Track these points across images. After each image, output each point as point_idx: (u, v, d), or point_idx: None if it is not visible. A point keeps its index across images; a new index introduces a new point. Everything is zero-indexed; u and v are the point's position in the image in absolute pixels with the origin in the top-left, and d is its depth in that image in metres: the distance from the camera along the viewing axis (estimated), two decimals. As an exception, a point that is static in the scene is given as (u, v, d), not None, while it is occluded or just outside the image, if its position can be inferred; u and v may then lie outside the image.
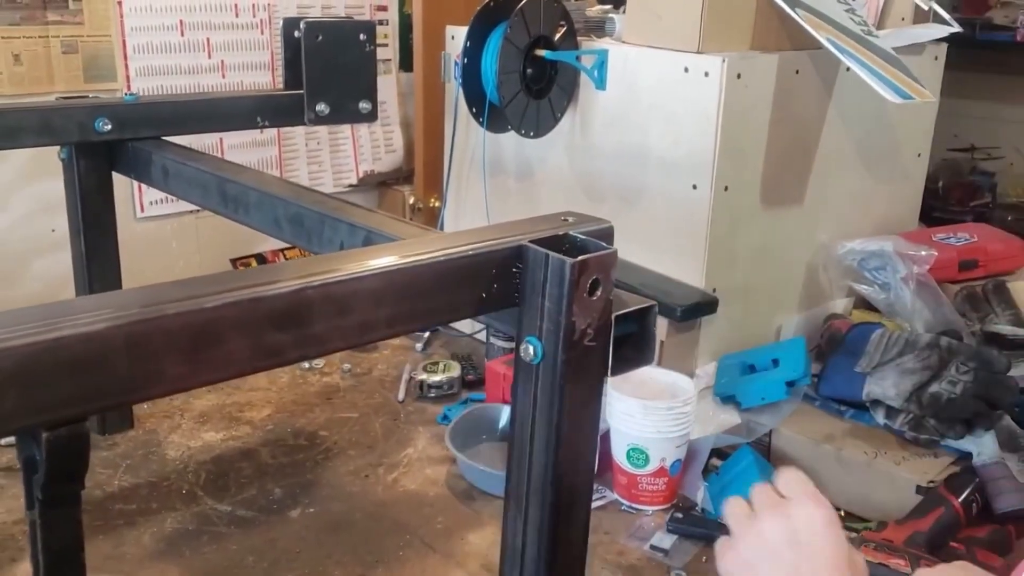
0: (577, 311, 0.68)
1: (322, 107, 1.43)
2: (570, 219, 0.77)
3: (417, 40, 2.96)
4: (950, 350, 1.27)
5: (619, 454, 1.24)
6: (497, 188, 1.63)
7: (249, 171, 1.14)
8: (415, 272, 0.65)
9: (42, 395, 0.50)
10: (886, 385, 1.27)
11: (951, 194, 2.48)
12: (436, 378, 1.53)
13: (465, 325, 1.78)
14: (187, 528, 1.20)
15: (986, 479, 1.18)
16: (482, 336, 1.66)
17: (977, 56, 2.46)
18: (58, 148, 1.29)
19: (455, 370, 1.55)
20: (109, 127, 1.24)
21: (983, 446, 1.21)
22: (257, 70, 2.86)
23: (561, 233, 0.72)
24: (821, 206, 1.52)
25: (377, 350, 1.71)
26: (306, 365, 1.63)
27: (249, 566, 1.13)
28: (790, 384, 1.31)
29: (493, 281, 0.70)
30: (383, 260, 0.65)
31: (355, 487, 1.29)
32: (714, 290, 1.38)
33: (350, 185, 3.20)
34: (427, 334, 1.73)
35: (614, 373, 0.73)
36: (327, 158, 3.06)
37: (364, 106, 1.49)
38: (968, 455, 1.21)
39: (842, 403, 1.33)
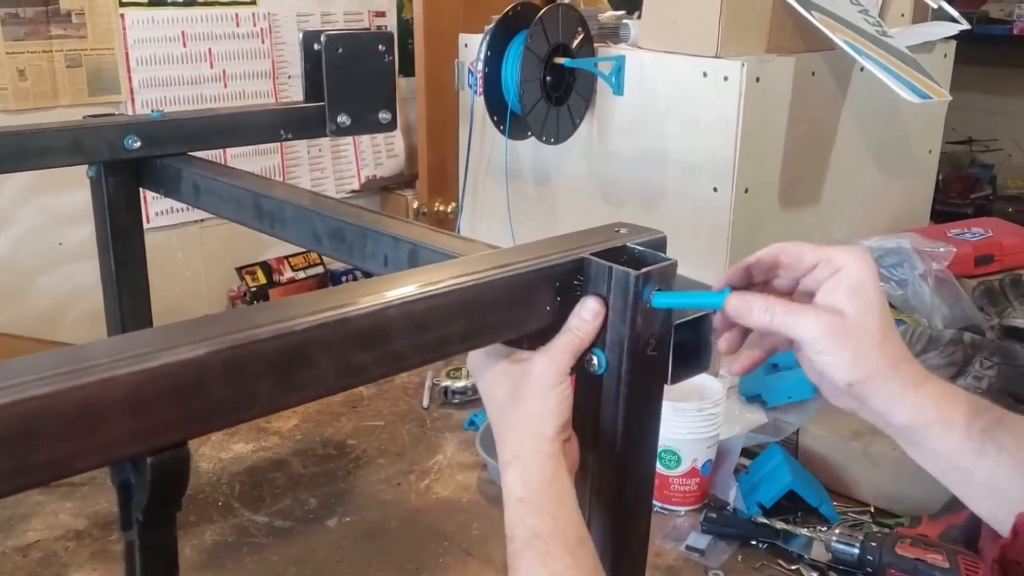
0: (641, 322, 0.69)
1: (343, 118, 1.44)
2: (623, 230, 0.78)
3: (418, 45, 2.98)
4: (973, 345, 1.29)
5: (651, 456, 1.26)
6: (515, 194, 1.64)
7: (281, 185, 1.15)
8: (485, 288, 0.66)
9: (150, 421, 0.51)
10: (911, 381, 1.29)
11: (951, 187, 2.51)
12: (459, 384, 1.54)
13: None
14: (227, 540, 1.21)
15: (1014, 472, 1.20)
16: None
17: (974, 49, 2.48)
18: (87, 166, 1.30)
19: (479, 376, 1.56)
20: (139, 144, 1.24)
21: (1009, 439, 1.22)
22: (258, 78, 2.87)
23: (619, 245, 0.74)
24: (837, 204, 1.54)
25: (398, 357, 1.72)
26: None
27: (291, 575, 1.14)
28: (816, 382, 1.32)
29: (557, 294, 0.71)
30: (453, 278, 0.66)
31: (388, 495, 1.31)
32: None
33: (352, 191, 3.21)
34: (446, 340, 1.74)
35: (673, 381, 0.75)
36: (329, 164, 3.07)
37: (384, 116, 1.50)
38: (995, 448, 1.23)
39: (866, 400, 1.35)
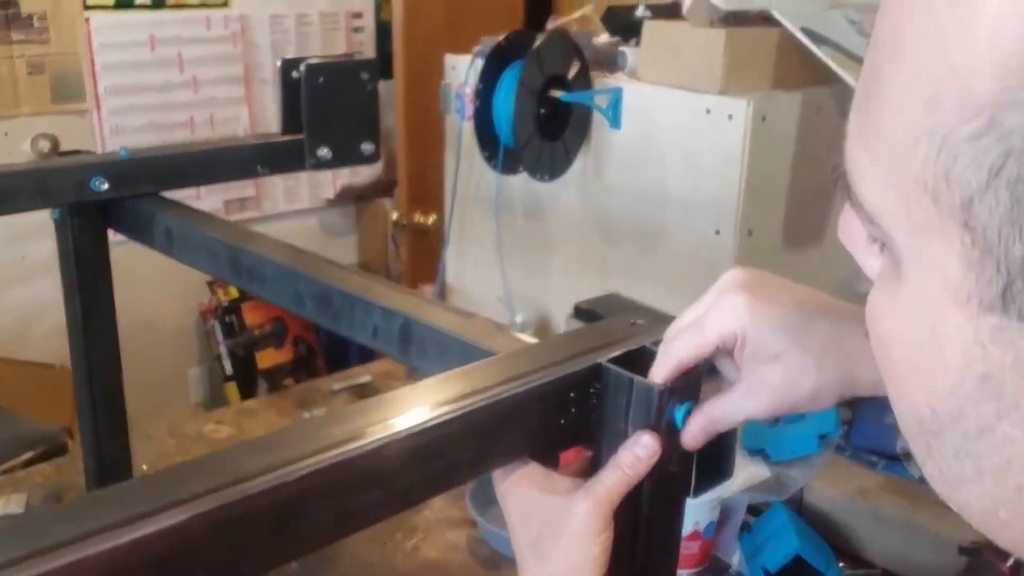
0: (664, 439, 0.63)
1: (324, 152, 1.37)
2: (639, 321, 0.72)
3: (397, 48, 2.89)
4: (984, 399, 1.24)
5: (651, 518, 1.20)
6: (505, 226, 1.58)
7: (260, 239, 1.07)
8: (497, 406, 0.60)
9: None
10: (920, 437, 1.24)
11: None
12: (447, 428, 1.47)
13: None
14: (202, 611, 1.13)
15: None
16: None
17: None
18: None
19: (466, 419, 1.49)
20: (106, 186, 1.16)
21: (1024, 503, 1.18)
22: (230, 84, 2.77)
23: (639, 347, 0.67)
24: (840, 245, 1.48)
25: (371, 381, 1.65)
26: (307, 416, 1.56)
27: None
28: (821, 437, 1.27)
29: (572, 405, 0.64)
30: (463, 398, 0.59)
31: (374, 557, 1.24)
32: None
33: (327, 200, 3.12)
34: (431, 375, 1.67)
35: (696, 495, 0.68)
36: (303, 173, 2.97)
37: (367, 148, 1.43)
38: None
39: (874, 453, 1.30)
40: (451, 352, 0.83)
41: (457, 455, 0.59)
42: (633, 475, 0.61)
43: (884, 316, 0.36)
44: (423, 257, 2.83)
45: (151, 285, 2.55)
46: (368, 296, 0.90)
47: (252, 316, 2.75)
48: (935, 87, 0.30)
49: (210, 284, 2.72)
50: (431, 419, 0.57)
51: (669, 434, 0.63)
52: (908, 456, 1.26)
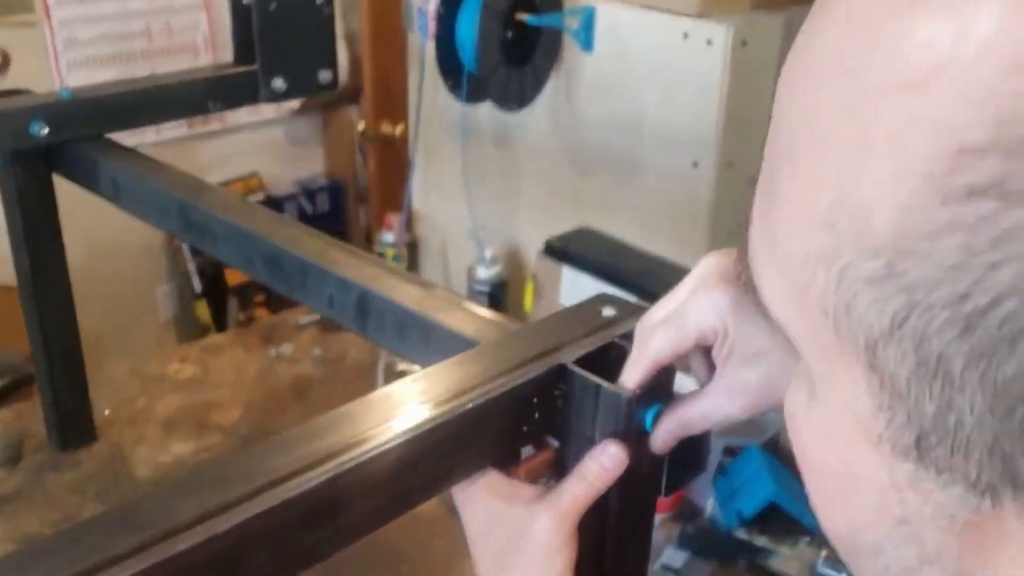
0: (633, 450, 0.59)
1: (279, 83, 1.29)
2: (607, 310, 0.67)
3: (361, -56, 2.73)
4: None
5: (624, 464, 1.18)
6: (473, 156, 1.51)
7: (212, 192, 1.01)
8: (454, 424, 0.56)
9: None
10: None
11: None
12: (415, 366, 1.44)
13: (440, 293, 1.69)
14: (169, 569, 1.11)
15: None
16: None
17: None
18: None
19: (437, 355, 1.46)
20: (46, 131, 1.09)
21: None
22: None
23: (607, 343, 0.63)
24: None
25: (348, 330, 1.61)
26: (273, 353, 1.53)
27: (241, 613, 1.06)
28: (797, 377, 1.25)
29: (535, 410, 0.60)
30: (414, 416, 0.55)
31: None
32: (714, 273, 1.30)
33: (292, 111, 3.01)
34: (401, 307, 1.63)
35: (668, 493, 0.65)
36: (269, 80, 2.85)
37: (324, 76, 1.35)
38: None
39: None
40: (410, 329, 0.78)
41: (411, 480, 0.55)
42: (599, 486, 0.58)
43: (801, 427, 0.32)
44: (391, 168, 2.74)
45: (113, 212, 2.47)
46: (323, 263, 0.85)
47: (220, 232, 2.68)
48: (832, 212, 0.26)
49: (175, 199, 2.64)
50: (381, 445, 0.53)
51: (639, 437, 0.59)
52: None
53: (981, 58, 0.23)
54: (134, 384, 1.45)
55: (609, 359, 0.62)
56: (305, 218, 2.84)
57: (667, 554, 1.13)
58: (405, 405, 0.56)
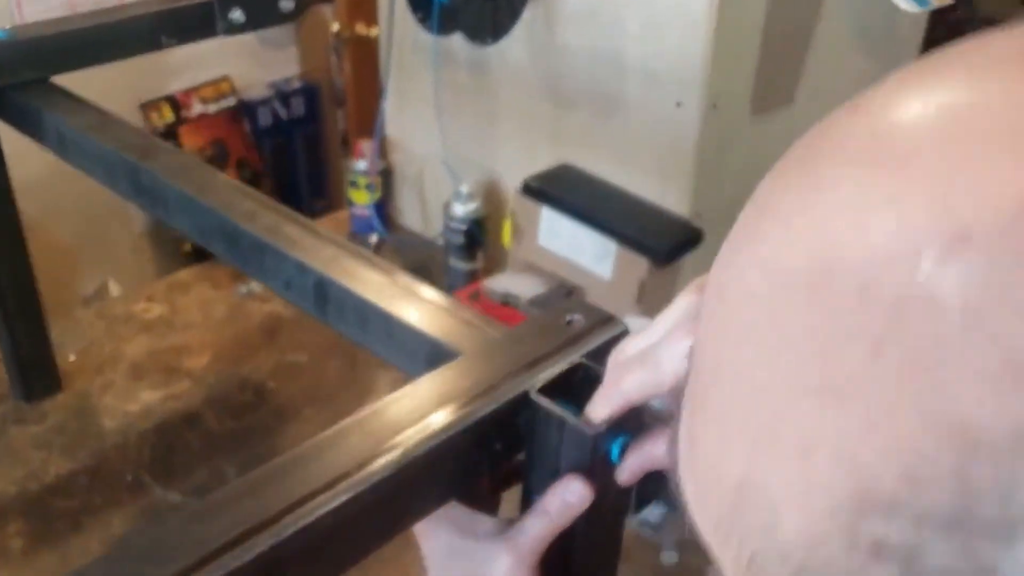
0: (599, 479, 0.56)
1: (236, 14, 1.21)
2: (574, 318, 0.63)
3: None
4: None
5: (602, 419, 1.16)
6: (447, 82, 1.43)
7: (163, 152, 0.94)
8: (411, 466, 0.52)
9: None
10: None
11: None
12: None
13: (415, 222, 1.63)
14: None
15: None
16: (438, 238, 1.51)
17: None
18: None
19: (412, 295, 1.41)
20: (-18, 77, 1.02)
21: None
22: None
23: (574, 365, 0.58)
24: (811, 101, 1.36)
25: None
26: (243, 290, 1.48)
27: (212, 577, 1.04)
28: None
29: (497, 440, 0.57)
30: (366, 463, 0.51)
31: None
32: (699, 215, 1.25)
33: (267, 9, 2.86)
34: (374, 239, 1.58)
35: (637, 511, 0.62)
36: (238, -21, 2.71)
37: (286, 4, 1.26)
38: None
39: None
40: (372, 322, 0.74)
41: (363, 530, 0.52)
42: (561, 523, 0.55)
43: None
44: (367, 70, 2.63)
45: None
46: (279, 244, 0.80)
47: (191, 139, 2.59)
48: (741, 491, 0.23)
49: (143, 107, 2.54)
50: (334, 496, 0.49)
51: (605, 468, 0.56)
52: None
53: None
54: (100, 326, 1.41)
55: (575, 380, 0.58)
56: (280, 123, 2.75)
57: (644, 509, 1.12)
58: (355, 452, 0.52)
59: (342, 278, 0.76)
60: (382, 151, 1.56)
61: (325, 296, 0.77)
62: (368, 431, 0.53)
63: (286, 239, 0.81)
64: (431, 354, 0.70)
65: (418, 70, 1.46)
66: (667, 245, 1.19)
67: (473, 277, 1.43)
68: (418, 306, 0.72)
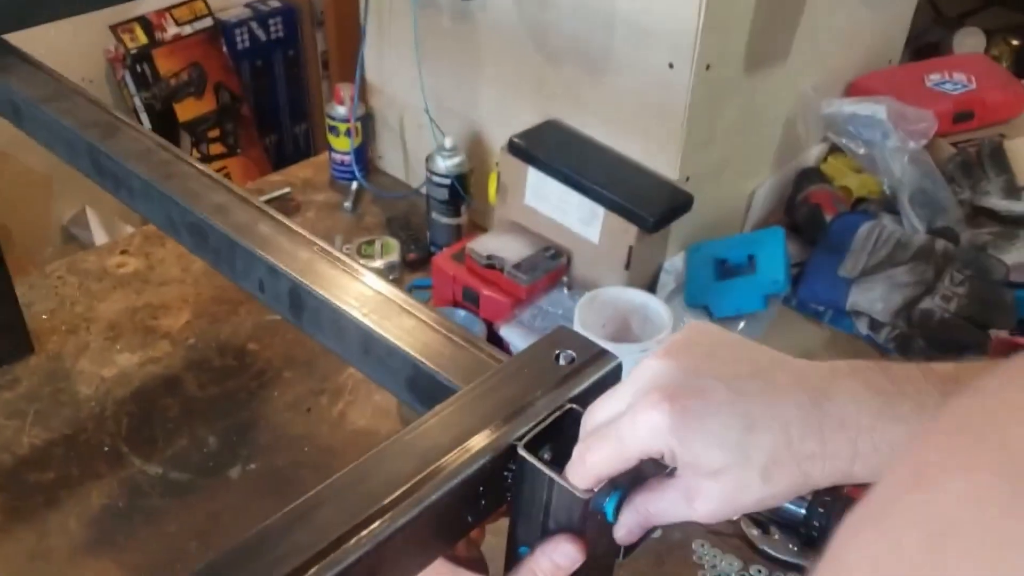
0: (592, 536, 0.54)
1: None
2: (566, 353, 0.60)
3: None
4: (945, 255, 1.16)
5: (587, 391, 1.14)
6: (428, 26, 1.36)
7: (125, 133, 0.89)
8: (395, 535, 0.50)
9: None
10: (873, 298, 1.16)
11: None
12: (374, 264, 1.36)
13: (397, 170, 1.58)
14: (117, 505, 1.08)
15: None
16: (420, 187, 1.47)
17: None
18: None
19: (394, 251, 1.38)
20: (-71, 41, 0.96)
21: (973, 374, 1.13)
22: None
23: (563, 411, 0.56)
24: (806, 54, 1.31)
25: (301, 214, 1.52)
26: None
27: (193, 555, 1.04)
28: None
29: (481, 497, 0.55)
30: (344, 535, 0.49)
31: (297, 428, 1.18)
32: (688, 179, 1.21)
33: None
34: (354, 187, 1.53)
35: (626, 556, 0.61)
36: None
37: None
38: (956, 380, 1.14)
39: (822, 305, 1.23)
40: (349, 334, 0.71)
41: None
42: None
43: None
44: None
45: (47, 35, 2.28)
46: (251, 244, 0.76)
47: (166, 63, 2.50)
48: None
49: (113, 28, 2.44)
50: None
51: (598, 523, 0.54)
52: (858, 314, 1.19)
53: None
54: (72, 283, 1.37)
55: (565, 433, 0.55)
56: (259, 45, 2.65)
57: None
58: (332, 525, 0.50)
59: (318, 285, 0.72)
60: (362, 94, 1.50)
61: (300, 304, 0.74)
62: (353, 500, 0.51)
63: (259, 239, 0.77)
64: (412, 376, 0.67)
65: (399, 13, 1.39)
66: (656, 212, 1.16)
67: (457, 233, 1.39)
68: (399, 321, 0.69)
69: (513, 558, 0.57)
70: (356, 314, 0.70)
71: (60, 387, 1.22)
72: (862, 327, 1.19)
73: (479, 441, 0.54)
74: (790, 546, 0.99)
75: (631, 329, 1.15)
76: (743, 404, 0.47)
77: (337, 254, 0.76)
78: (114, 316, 1.32)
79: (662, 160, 1.20)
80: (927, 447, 0.27)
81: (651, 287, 1.25)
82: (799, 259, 1.27)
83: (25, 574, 1.01)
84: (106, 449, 1.14)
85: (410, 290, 1.36)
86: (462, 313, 1.24)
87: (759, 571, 0.99)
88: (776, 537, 1.00)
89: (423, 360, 0.66)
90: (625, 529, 0.53)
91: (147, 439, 1.16)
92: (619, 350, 1.07)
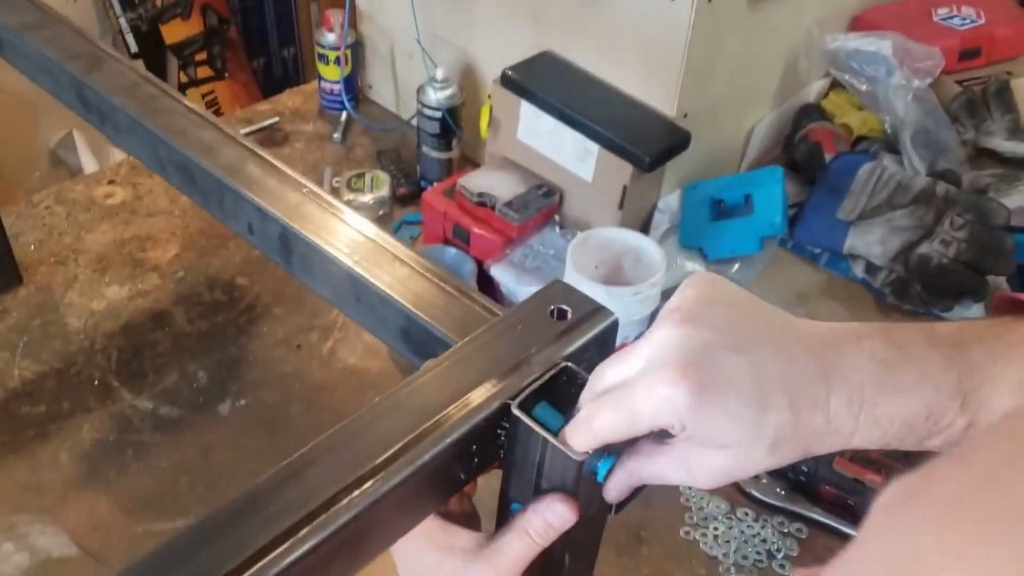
0: (584, 496, 0.53)
1: None
2: (562, 309, 0.59)
3: None
4: (947, 199, 1.14)
5: (579, 332, 1.13)
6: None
7: (112, 65, 0.86)
8: (388, 494, 0.49)
9: None
10: (871, 241, 1.15)
11: None
12: (364, 199, 1.34)
13: (388, 101, 1.55)
14: (107, 439, 1.08)
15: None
16: (411, 119, 1.44)
17: None
18: None
19: (384, 185, 1.36)
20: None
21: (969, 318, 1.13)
22: None
23: (557, 369, 0.55)
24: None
25: (289, 144, 1.49)
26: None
27: (184, 491, 1.04)
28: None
29: (475, 456, 0.54)
30: (330, 501, 0.48)
31: (287, 365, 1.17)
32: (685, 115, 1.18)
33: None
34: (343, 118, 1.50)
35: (618, 511, 0.60)
36: None
37: None
38: (950, 325, 1.14)
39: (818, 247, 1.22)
40: (340, 281, 0.70)
41: (334, 563, 0.49)
42: (542, 543, 0.53)
43: None
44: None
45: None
46: (238, 185, 0.75)
47: (150, -19, 2.43)
48: None
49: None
50: (300, 539, 0.47)
51: (588, 486, 0.54)
52: (855, 257, 1.18)
53: None
54: (59, 213, 1.35)
55: (560, 388, 0.55)
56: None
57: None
58: (327, 480, 0.49)
59: (309, 231, 0.71)
60: (352, 21, 1.46)
61: (290, 248, 0.73)
62: (338, 463, 0.50)
63: (247, 180, 0.75)
64: (406, 327, 0.66)
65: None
66: (652, 151, 1.14)
67: (448, 167, 1.37)
68: (391, 269, 0.68)
69: (505, 513, 0.57)
70: (347, 261, 0.69)
71: (49, 319, 1.21)
72: (858, 270, 1.18)
73: (473, 399, 0.53)
74: (777, 490, 1.00)
75: (624, 270, 1.14)
76: (760, 381, 0.46)
77: (328, 197, 0.74)
78: (102, 248, 1.30)
79: (660, 95, 1.17)
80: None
81: (645, 226, 1.24)
82: (796, 199, 1.26)
83: (17, 507, 1.01)
84: (96, 383, 1.14)
85: (400, 226, 1.35)
86: (452, 251, 1.22)
87: (746, 514, 1.00)
88: (764, 481, 1.01)
89: (416, 311, 0.65)
90: (615, 491, 0.53)
91: (137, 373, 1.15)
92: (611, 293, 1.07)
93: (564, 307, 0.59)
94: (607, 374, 0.50)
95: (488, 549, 0.53)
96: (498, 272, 1.18)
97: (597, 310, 0.59)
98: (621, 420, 0.48)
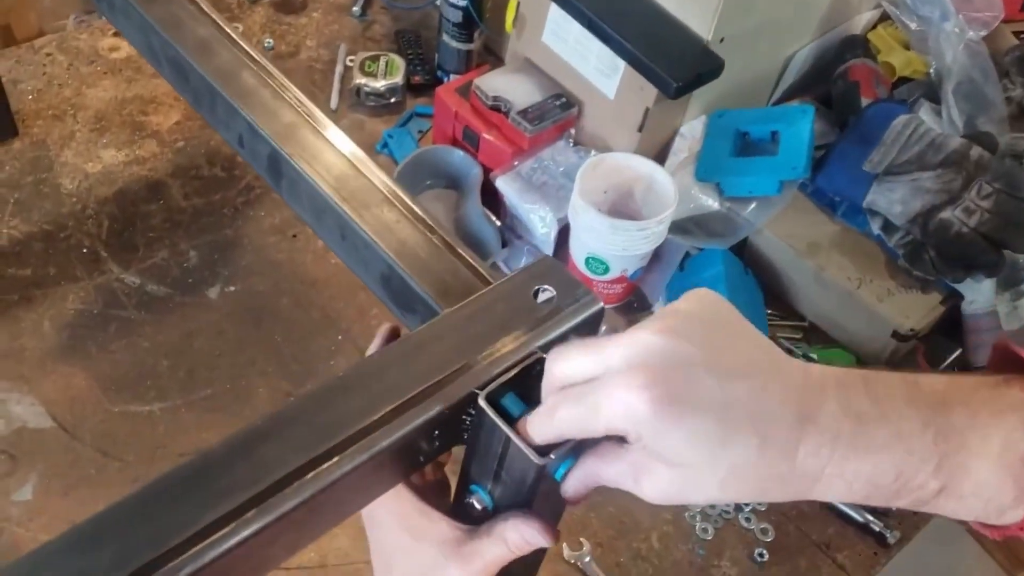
0: (542, 493, 0.52)
1: None
2: (544, 290, 0.56)
3: None
4: (979, 164, 1.09)
5: (578, 257, 1.10)
6: None
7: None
8: (352, 472, 0.48)
9: None
10: (892, 199, 1.10)
11: None
12: (377, 84, 1.29)
13: (415, -25, 1.47)
14: (91, 311, 1.07)
15: (970, 330, 1.10)
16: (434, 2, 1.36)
17: None
18: None
19: (398, 72, 1.30)
20: None
21: (979, 293, 1.09)
22: None
23: (530, 360, 0.52)
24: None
25: (306, 13, 1.42)
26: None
27: (163, 374, 1.04)
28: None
29: (439, 438, 0.52)
30: (302, 471, 0.47)
31: (280, 253, 1.15)
32: (722, 40, 1.11)
33: None
34: (368, -10, 1.43)
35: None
36: None
37: None
38: (959, 295, 1.10)
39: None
40: (326, 218, 0.67)
41: (304, 527, 0.48)
42: (518, 555, 0.52)
43: None
44: None
45: None
46: (231, 95, 0.71)
47: None
48: None
49: None
50: (246, 520, 0.45)
51: (547, 481, 0.52)
52: (874, 213, 1.14)
53: None
54: (61, 63, 1.30)
55: (532, 376, 0.53)
56: None
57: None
58: (280, 459, 0.47)
59: (299, 158, 0.67)
60: None
61: (279, 171, 0.69)
62: (314, 430, 0.48)
63: (241, 90, 0.71)
64: (387, 275, 0.64)
65: None
66: (681, 76, 1.07)
67: (467, 59, 1.30)
68: (379, 212, 0.65)
69: (464, 492, 0.56)
70: (335, 197, 0.65)
71: (43, 177, 1.18)
72: (875, 227, 1.13)
73: (440, 385, 0.51)
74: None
75: (633, 198, 1.10)
76: (728, 411, 0.44)
77: (324, 119, 0.70)
78: (102, 105, 1.26)
79: (697, 15, 1.10)
80: None
81: (664, 151, 1.19)
82: (824, 140, 1.20)
83: (-4, 371, 1.01)
84: (85, 251, 1.12)
85: (411, 117, 1.30)
86: (460, 153, 1.18)
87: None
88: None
89: (398, 262, 0.62)
90: (572, 490, 0.51)
91: (127, 245, 1.13)
92: (616, 227, 1.04)
93: (549, 289, 0.56)
94: (571, 364, 0.47)
95: (467, 548, 0.52)
96: (503, 184, 1.14)
97: (583, 295, 0.56)
98: (581, 418, 0.46)
